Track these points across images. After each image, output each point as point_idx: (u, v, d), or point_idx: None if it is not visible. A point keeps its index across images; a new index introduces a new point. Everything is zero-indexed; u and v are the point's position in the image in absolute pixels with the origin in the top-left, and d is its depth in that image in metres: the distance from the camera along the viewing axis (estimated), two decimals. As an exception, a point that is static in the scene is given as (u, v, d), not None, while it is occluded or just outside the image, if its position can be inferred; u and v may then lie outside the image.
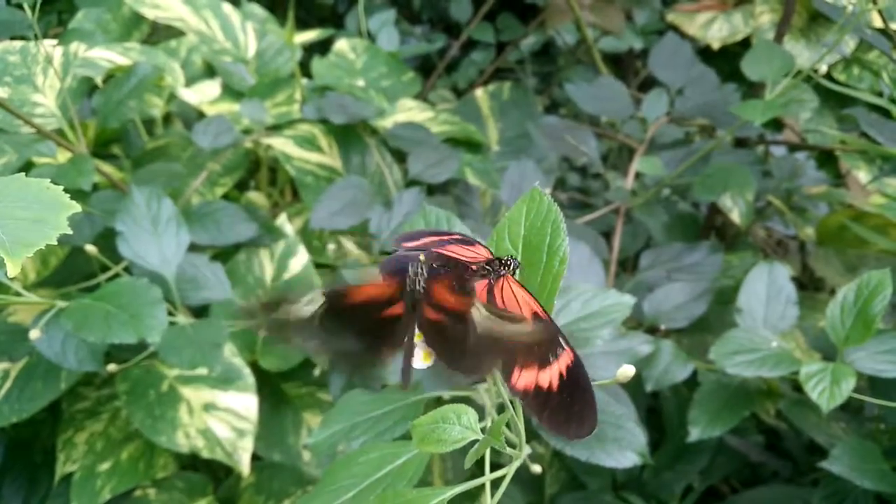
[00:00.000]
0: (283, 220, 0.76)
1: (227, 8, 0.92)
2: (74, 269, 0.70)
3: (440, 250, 0.32)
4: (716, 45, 0.92)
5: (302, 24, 1.21)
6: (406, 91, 0.93)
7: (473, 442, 0.31)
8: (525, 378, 0.29)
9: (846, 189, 0.92)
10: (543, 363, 0.29)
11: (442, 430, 0.30)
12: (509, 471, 0.33)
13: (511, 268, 0.31)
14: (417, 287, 0.30)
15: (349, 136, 0.82)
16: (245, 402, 0.65)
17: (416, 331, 0.30)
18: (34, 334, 0.54)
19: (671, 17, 0.97)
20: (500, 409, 0.37)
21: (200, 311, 0.70)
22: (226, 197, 0.79)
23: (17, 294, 0.55)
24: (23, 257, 0.22)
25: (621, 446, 0.48)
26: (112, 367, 0.62)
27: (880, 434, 0.64)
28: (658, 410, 0.77)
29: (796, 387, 0.60)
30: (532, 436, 0.56)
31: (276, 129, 0.81)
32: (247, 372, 0.65)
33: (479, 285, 0.31)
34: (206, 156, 0.76)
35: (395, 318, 0.31)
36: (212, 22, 0.90)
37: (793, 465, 0.75)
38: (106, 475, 0.65)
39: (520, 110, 0.99)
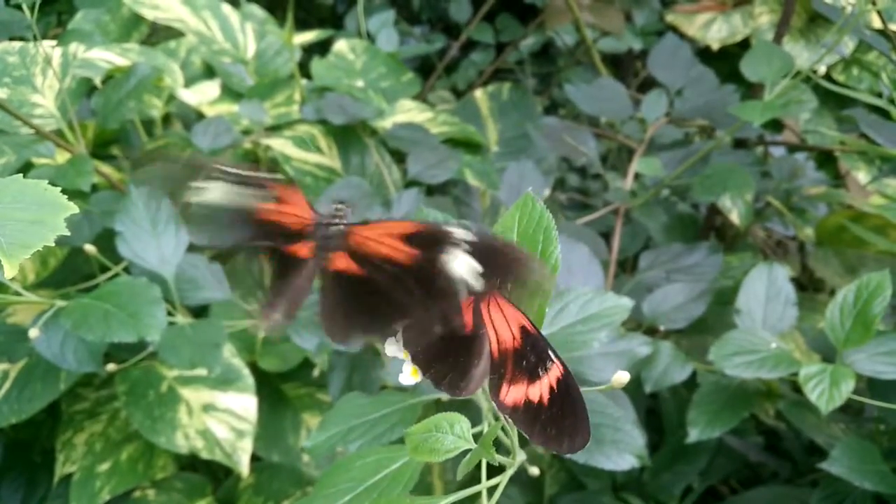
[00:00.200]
0: (282, 221, 0.75)
1: (227, 9, 0.92)
2: (74, 270, 0.70)
3: None
4: (715, 46, 0.92)
5: (301, 25, 1.21)
6: (405, 92, 0.93)
7: (467, 451, 0.31)
8: (514, 393, 0.28)
9: (845, 190, 0.93)
10: (533, 377, 0.28)
11: (435, 439, 0.30)
12: (503, 479, 0.32)
13: (499, 283, 0.30)
14: (337, 228, 0.29)
15: (348, 136, 0.82)
16: (244, 403, 0.65)
17: (402, 346, 0.30)
18: (33, 333, 0.54)
19: (670, 17, 0.97)
20: (496, 414, 0.37)
21: (200, 312, 0.70)
22: (225, 197, 0.79)
23: (17, 294, 0.54)
24: (20, 259, 0.22)
25: (619, 449, 0.48)
26: (111, 367, 0.62)
27: (880, 435, 0.64)
28: (657, 411, 0.77)
29: (796, 387, 0.60)
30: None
31: (275, 129, 0.81)
32: (246, 372, 0.65)
33: (465, 302, 0.30)
34: (206, 156, 0.76)
35: (292, 257, 0.30)
36: (211, 22, 0.90)
37: (792, 466, 0.75)
38: (105, 476, 0.65)
39: (519, 111, 0.99)
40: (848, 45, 0.82)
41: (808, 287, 0.92)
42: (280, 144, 0.79)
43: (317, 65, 0.90)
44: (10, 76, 0.65)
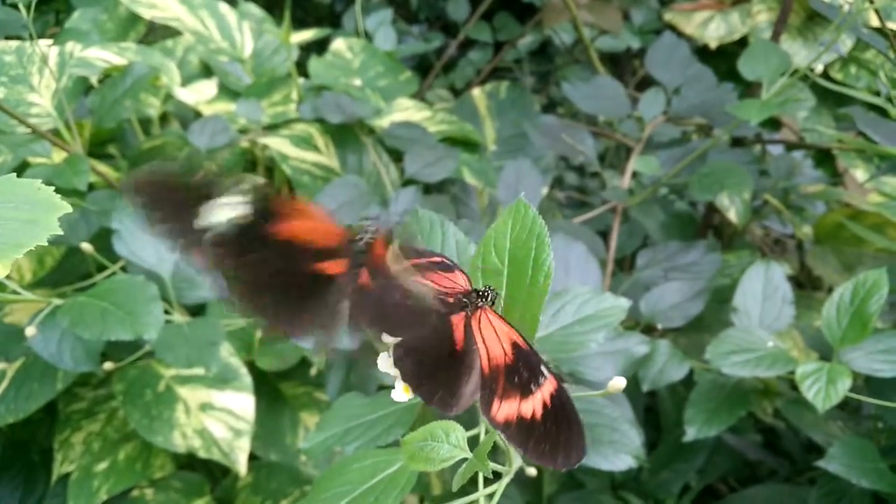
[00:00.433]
0: (279, 220, 0.75)
1: (224, 7, 0.92)
2: (71, 269, 0.70)
3: (419, 279, 0.31)
4: (713, 45, 0.92)
5: (299, 24, 1.21)
6: (403, 90, 0.93)
7: (463, 459, 0.30)
8: (506, 409, 0.28)
9: (843, 188, 0.92)
10: (525, 393, 0.28)
11: (431, 448, 0.30)
12: (499, 487, 0.32)
13: (489, 299, 0.30)
14: (365, 240, 0.29)
15: (346, 135, 0.82)
16: (242, 402, 0.65)
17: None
18: (30, 331, 0.54)
19: (668, 16, 0.97)
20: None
21: (197, 310, 0.70)
22: (223, 196, 0.79)
23: (14, 293, 0.54)
24: (12, 258, 0.22)
25: (616, 449, 0.48)
26: (108, 366, 0.62)
27: (878, 433, 0.64)
28: (656, 409, 0.77)
29: (794, 386, 0.60)
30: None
31: (272, 128, 0.81)
32: (244, 372, 0.65)
33: (457, 317, 0.30)
34: (203, 155, 0.76)
35: (327, 276, 0.29)
36: (208, 21, 0.90)
37: (790, 464, 0.75)
38: (103, 475, 0.65)
39: (517, 109, 0.99)
40: (846, 44, 0.82)
41: (806, 285, 0.92)
42: (277, 143, 0.79)
43: (314, 63, 0.90)
44: (6, 75, 0.65)
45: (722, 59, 0.93)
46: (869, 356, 0.56)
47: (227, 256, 0.29)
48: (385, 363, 0.31)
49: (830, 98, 0.83)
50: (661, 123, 0.85)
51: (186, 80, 0.86)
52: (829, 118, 0.86)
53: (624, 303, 0.50)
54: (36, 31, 0.59)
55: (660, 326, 0.70)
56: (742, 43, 0.90)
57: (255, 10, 1.01)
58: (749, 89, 0.81)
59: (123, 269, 0.63)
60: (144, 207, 0.28)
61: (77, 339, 0.56)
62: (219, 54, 0.88)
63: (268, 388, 0.72)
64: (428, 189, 0.78)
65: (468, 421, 0.32)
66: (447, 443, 0.30)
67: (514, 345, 0.29)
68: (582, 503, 0.69)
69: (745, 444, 0.74)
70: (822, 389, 0.53)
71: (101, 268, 0.63)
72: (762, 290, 0.66)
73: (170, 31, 0.92)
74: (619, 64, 1.24)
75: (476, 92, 1.02)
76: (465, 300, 0.31)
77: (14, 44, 0.67)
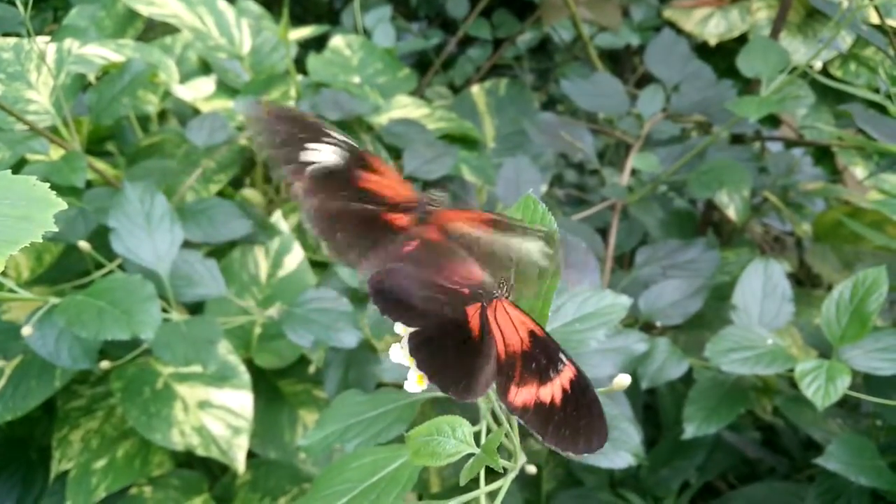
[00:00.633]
0: (277, 217, 0.75)
1: (222, 4, 0.92)
2: (69, 267, 0.70)
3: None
4: (712, 42, 0.92)
5: (298, 21, 1.21)
6: (402, 87, 0.93)
7: (469, 454, 0.30)
8: (524, 394, 0.28)
9: (843, 185, 0.92)
10: (543, 378, 0.28)
11: (436, 443, 0.30)
12: (504, 483, 0.32)
13: (505, 290, 0.30)
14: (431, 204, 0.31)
15: (344, 132, 0.82)
16: (240, 400, 0.64)
17: (407, 353, 0.30)
18: (26, 331, 0.54)
19: (668, 13, 0.97)
20: (495, 413, 0.37)
21: (195, 308, 0.70)
22: (221, 194, 0.79)
23: (11, 291, 0.54)
24: (7, 255, 0.22)
25: (616, 446, 0.48)
26: (105, 364, 0.62)
27: (876, 430, 0.64)
28: (655, 407, 0.77)
29: (793, 383, 0.60)
30: (527, 431, 0.56)
31: (271, 125, 0.81)
32: (242, 369, 0.65)
33: (472, 308, 0.30)
34: (201, 153, 0.76)
35: (393, 226, 0.32)
36: (206, 18, 0.90)
37: (789, 462, 0.75)
38: (101, 473, 0.65)
39: (516, 107, 0.99)
40: (845, 41, 0.82)
41: (806, 282, 0.92)
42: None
43: (313, 60, 0.90)
44: (4, 72, 0.65)
45: (721, 56, 0.93)
46: (868, 354, 0.56)
47: (319, 192, 0.32)
48: (398, 354, 0.31)
49: (830, 95, 0.83)
50: (661, 120, 0.85)
51: (185, 77, 0.86)
52: (828, 115, 0.86)
53: (625, 301, 0.50)
54: (34, 27, 0.59)
55: (658, 324, 0.70)
56: (742, 40, 0.89)
57: (254, 6, 1.01)
58: (748, 86, 0.81)
59: (121, 267, 0.63)
60: (268, 131, 0.32)
61: (75, 336, 0.56)
62: (217, 51, 0.88)
63: (266, 385, 0.72)
64: (427, 186, 0.78)
65: (470, 418, 0.32)
66: (453, 438, 0.30)
67: (531, 333, 0.29)
68: (581, 500, 0.69)
69: (744, 441, 0.74)
70: (821, 387, 0.53)
71: (99, 265, 0.63)
72: (761, 287, 0.66)
73: (168, 28, 0.92)
74: (618, 61, 1.24)
75: (475, 89, 1.02)
76: (480, 291, 0.30)
77: (12, 40, 0.67)
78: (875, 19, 0.71)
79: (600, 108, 0.87)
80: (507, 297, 0.30)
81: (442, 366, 0.30)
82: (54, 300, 0.54)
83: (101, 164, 0.71)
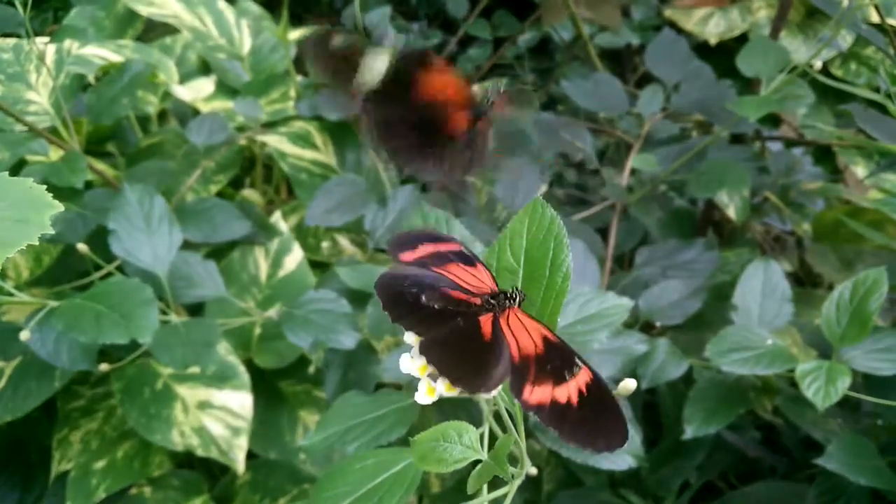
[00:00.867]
0: (277, 218, 0.75)
1: (222, 4, 0.92)
2: (68, 267, 0.70)
3: (441, 271, 0.31)
4: (713, 41, 0.92)
5: (298, 21, 1.21)
6: (402, 87, 0.93)
7: (475, 461, 0.30)
8: (539, 393, 0.28)
9: (844, 184, 0.92)
10: (559, 379, 0.28)
11: (442, 448, 0.30)
12: (511, 489, 0.32)
13: (517, 301, 0.30)
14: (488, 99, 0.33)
15: (344, 133, 0.82)
16: (240, 400, 0.64)
17: (419, 360, 0.30)
18: (24, 336, 0.54)
19: (668, 12, 0.97)
20: (497, 415, 0.37)
21: (195, 310, 0.70)
22: (220, 194, 0.79)
23: (9, 294, 0.54)
24: (3, 257, 0.22)
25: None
26: (105, 366, 0.62)
27: (876, 430, 0.64)
28: (655, 406, 0.77)
29: (793, 383, 0.59)
30: (527, 433, 0.56)
31: (270, 126, 0.81)
32: (241, 370, 0.65)
33: (485, 318, 0.30)
34: (201, 153, 0.76)
35: (451, 125, 0.33)
36: (206, 19, 0.89)
37: (789, 461, 0.75)
38: (101, 473, 0.65)
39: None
40: (846, 40, 0.82)
41: (806, 282, 0.92)
42: (275, 141, 0.79)
43: (313, 61, 0.90)
44: (4, 73, 0.65)
45: (722, 56, 0.92)
46: (868, 355, 0.56)
47: (376, 106, 0.34)
48: (407, 364, 0.30)
49: (830, 95, 0.83)
50: (661, 120, 0.85)
51: (185, 78, 0.86)
52: (828, 115, 0.86)
53: (626, 302, 0.49)
54: (35, 28, 0.59)
55: (658, 324, 0.70)
56: (742, 39, 0.89)
57: (254, 7, 1.01)
58: (748, 86, 0.81)
59: (120, 268, 0.63)
60: (318, 61, 0.33)
61: (74, 337, 0.56)
62: (217, 51, 0.88)
63: (266, 386, 0.72)
64: (426, 187, 0.78)
65: (472, 421, 0.32)
66: (460, 443, 0.30)
67: (545, 339, 0.29)
68: (581, 500, 0.69)
69: (744, 441, 0.74)
70: (821, 388, 0.53)
71: (99, 267, 0.63)
72: (761, 287, 0.65)
73: (168, 29, 0.92)
74: (619, 60, 1.24)
75: (475, 89, 1.01)
76: (492, 302, 0.30)
77: (11, 41, 0.67)
78: (875, 18, 0.71)
79: (600, 108, 0.87)
80: (518, 306, 0.30)
81: (455, 360, 0.29)
82: (53, 303, 0.54)
83: (100, 165, 0.71)
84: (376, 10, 1.06)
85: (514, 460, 0.34)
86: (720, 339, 0.60)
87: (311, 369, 0.72)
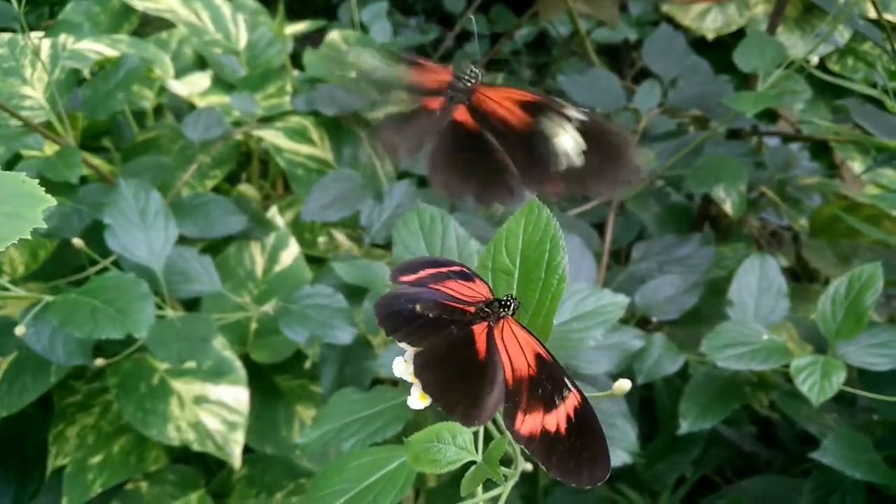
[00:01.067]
0: (273, 213, 0.75)
1: (218, -1, 0.91)
2: (64, 262, 0.69)
3: (438, 286, 0.31)
4: (710, 36, 0.91)
5: (296, 16, 1.20)
6: (399, 82, 0.92)
7: (469, 462, 0.30)
8: (530, 423, 0.28)
9: (840, 179, 0.92)
10: (549, 406, 0.28)
11: (437, 449, 0.30)
12: (504, 490, 0.32)
13: (511, 309, 0.30)
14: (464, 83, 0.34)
15: (340, 128, 0.82)
16: (236, 395, 0.64)
17: (411, 371, 0.30)
18: (19, 331, 0.54)
19: (666, 7, 0.97)
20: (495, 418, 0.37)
21: (191, 305, 0.70)
22: (216, 189, 0.79)
23: (5, 289, 0.54)
24: (-5, 253, 0.22)
25: (612, 444, 0.48)
26: (101, 361, 0.62)
27: (872, 425, 0.64)
28: (651, 401, 0.77)
29: (789, 377, 0.60)
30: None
31: (266, 121, 0.81)
32: (238, 365, 0.65)
33: (479, 327, 0.30)
34: (197, 148, 0.76)
35: (428, 109, 0.35)
36: (202, 13, 0.89)
37: (785, 456, 0.75)
38: (97, 468, 0.65)
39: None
40: (843, 35, 0.82)
41: (803, 277, 0.92)
42: (272, 136, 0.79)
43: (309, 56, 0.90)
44: (-2, 68, 0.65)
45: (719, 51, 0.92)
46: (864, 350, 0.56)
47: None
48: (400, 369, 0.30)
49: (827, 90, 0.83)
50: (657, 115, 0.84)
51: (181, 73, 0.86)
52: (825, 110, 0.86)
53: (623, 300, 0.49)
54: (30, 23, 0.59)
55: (654, 319, 0.70)
56: (739, 35, 0.89)
57: (250, 1, 1.00)
58: (746, 81, 0.81)
59: (116, 263, 0.63)
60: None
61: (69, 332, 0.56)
62: (213, 46, 0.88)
63: (262, 380, 0.72)
64: (422, 182, 0.78)
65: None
66: (454, 445, 0.30)
67: (538, 356, 0.29)
68: (577, 495, 0.69)
69: (740, 435, 0.74)
70: (816, 383, 0.53)
71: (94, 262, 0.63)
72: (757, 283, 0.66)
73: (164, 24, 0.92)
74: (616, 56, 1.24)
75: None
76: (487, 310, 0.30)
77: (6, 36, 0.66)
78: (872, 14, 0.71)
79: (597, 103, 0.87)
80: (512, 315, 0.30)
81: (447, 388, 0.29)
82: (48, 298, 0.54)
83: (96, 160, 0.71)
84: (373, 5, 1.06)
85: (509, 460, 0.34)
86: (716, 334, 0.60)
87: (308, 364, 0.72)
